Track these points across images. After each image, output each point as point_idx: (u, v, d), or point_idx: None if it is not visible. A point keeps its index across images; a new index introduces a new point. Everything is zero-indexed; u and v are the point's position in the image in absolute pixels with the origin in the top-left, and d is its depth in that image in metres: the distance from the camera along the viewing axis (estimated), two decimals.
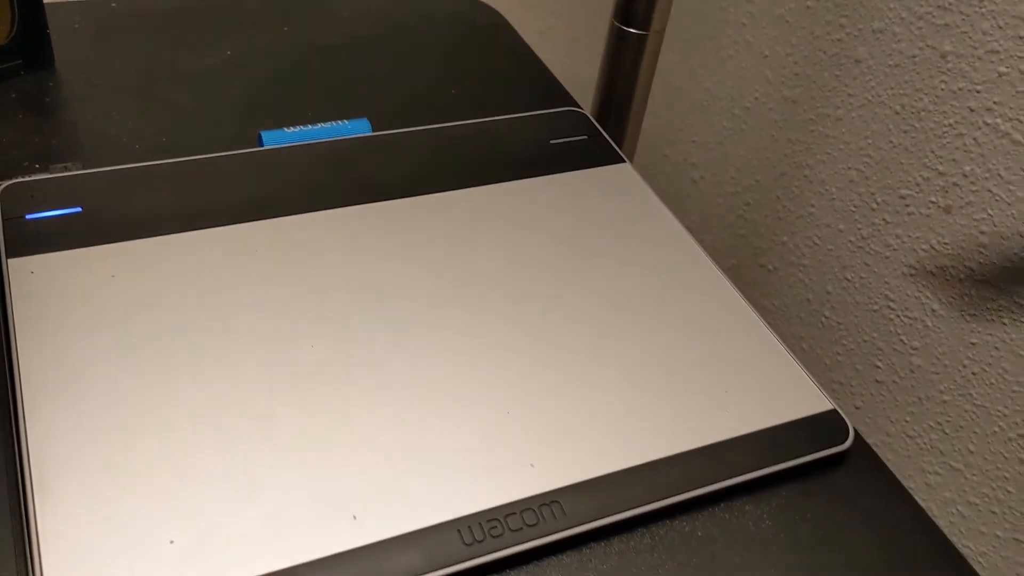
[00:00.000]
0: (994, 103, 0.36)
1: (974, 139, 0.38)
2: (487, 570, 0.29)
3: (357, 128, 0.45)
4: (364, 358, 0.34)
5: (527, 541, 0.29)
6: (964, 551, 0.48)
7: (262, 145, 0.43)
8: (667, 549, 0.30)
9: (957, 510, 0.45)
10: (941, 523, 0.47)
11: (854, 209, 0.44)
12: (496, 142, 0.45)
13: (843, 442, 0.34)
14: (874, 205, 0.43)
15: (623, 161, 0.46)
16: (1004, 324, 0.38)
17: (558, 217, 0.41)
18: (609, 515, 0.30)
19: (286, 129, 0.44)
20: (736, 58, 0.50)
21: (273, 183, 0.41)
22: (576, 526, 0.30)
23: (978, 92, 0.37)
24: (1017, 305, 0.37)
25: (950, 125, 0.39)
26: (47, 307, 0.34)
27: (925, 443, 0.43)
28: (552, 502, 0.30)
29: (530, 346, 0.35)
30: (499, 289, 0.37)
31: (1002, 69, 0.36)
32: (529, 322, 0.36)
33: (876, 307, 0.44)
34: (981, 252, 0.38)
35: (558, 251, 0.39)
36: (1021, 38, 0.34)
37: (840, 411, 0.36)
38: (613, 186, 0.44)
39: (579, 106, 0.50)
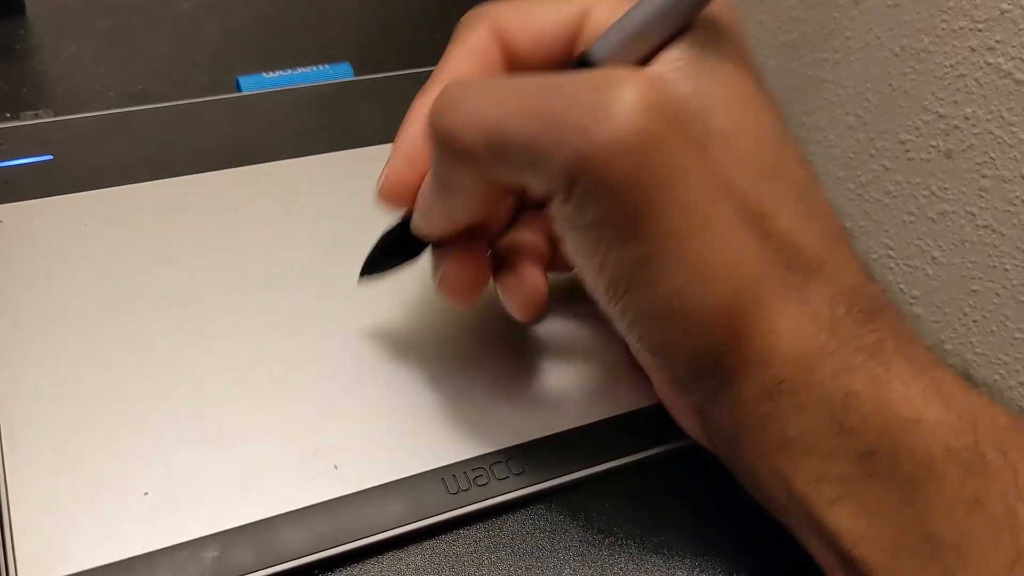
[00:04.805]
0: (996, 42, 0.35)
1: (975, 80, 0.37)
2: (472, 519, 0.28)
3: (338, 73, 0.43)
4: (347, 306, 0.33)
5: (514, 490, 0.28)
6: None
7: (240, 91, 0.42)
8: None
9: None
10: None
11: (853, 156, 0.44)
12: None
13: None
14: (873, 151, 0.42)
15: None
16: (1006, 270, 0.37)
17: None
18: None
19: (264, 74, 0.43)
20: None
21: (251, 129, 0.39)
22: (565, 474, 0.29)
23: (979, 31, 0.36)
24: (1019, 250, 0.36)
25: (951, 66, 0.38)
26: (17, 256, 0.33)
27: None
28: (538, 451, 0.29)
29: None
30: None
31: (1004, 6, 0.35)
32: None
33: (876, 256, 0.43)
34: (983, 197, 0.37)
35: None
36: None
37: None
38: None
39: None
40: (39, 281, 0.32)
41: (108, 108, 0.40)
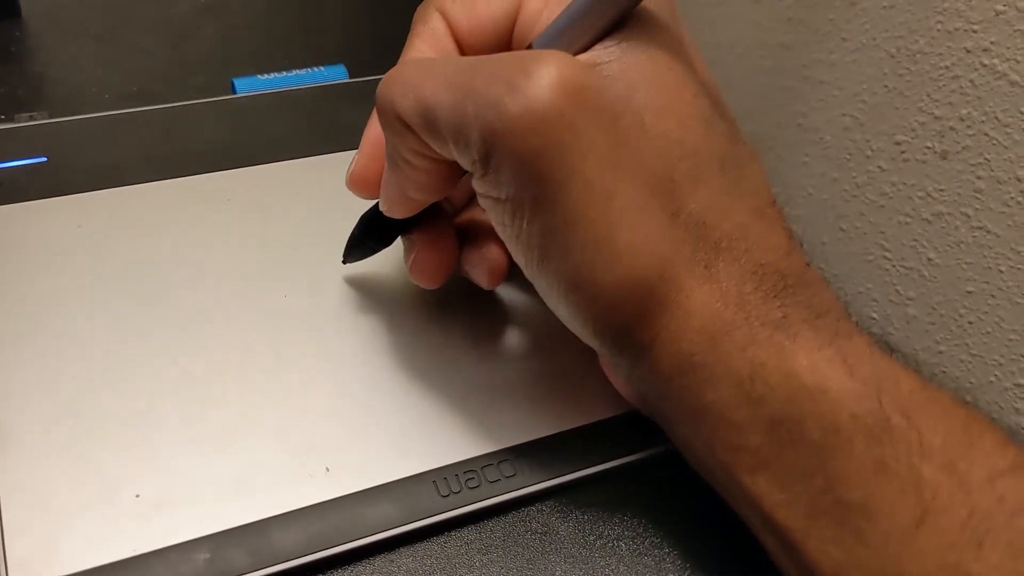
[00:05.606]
0: (991, 43, 0.35)
1: (971, 81, 0.36)
2: (464, 521, 0.28)
3: (333, 75, 0.44)
4: (338, 307, 0.33)
5: (505, 493, 0.28)
6: None
7: (235, 93, 0.42)
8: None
9: None
10: None
11: (849, 157, 0.43)
12: None
13: None
14: (869, 152, 0.42)
15: None
16: (1001, 272, 0.37)
17: None
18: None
19: (259, 76, 0.43)
20: (726, 3, 0.48)
21: (246, 131, 0.40)
22: (556, 477, 0.29)
23: (975, 32, 0.36)
24: (1014, 252, 0.36)
25: (946, 67, 0.37)
26: (11, 258, 0.33)
27: None
28: (530, 453, 0.29)
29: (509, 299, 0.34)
30: None
31: (999, 7, 0.35)
32: None
33: (871, 257, 0.43)
34: (978, 198, 0.37)
35: None
36: None
37: None
38: None
39: None
40: (32, 283, 0.32)
41: (103, 110, 0.40)
